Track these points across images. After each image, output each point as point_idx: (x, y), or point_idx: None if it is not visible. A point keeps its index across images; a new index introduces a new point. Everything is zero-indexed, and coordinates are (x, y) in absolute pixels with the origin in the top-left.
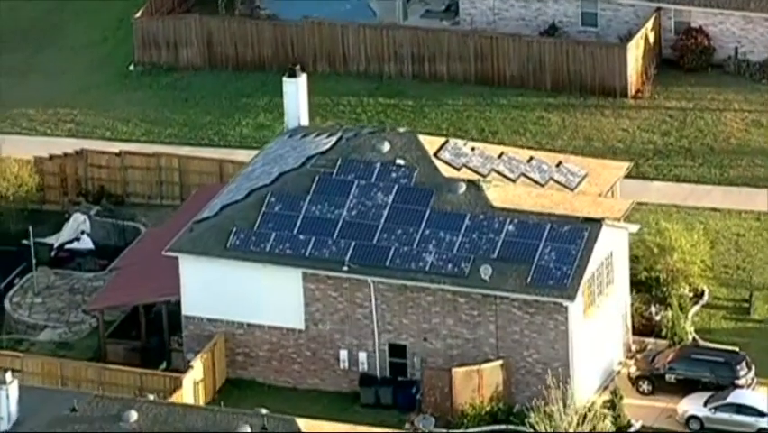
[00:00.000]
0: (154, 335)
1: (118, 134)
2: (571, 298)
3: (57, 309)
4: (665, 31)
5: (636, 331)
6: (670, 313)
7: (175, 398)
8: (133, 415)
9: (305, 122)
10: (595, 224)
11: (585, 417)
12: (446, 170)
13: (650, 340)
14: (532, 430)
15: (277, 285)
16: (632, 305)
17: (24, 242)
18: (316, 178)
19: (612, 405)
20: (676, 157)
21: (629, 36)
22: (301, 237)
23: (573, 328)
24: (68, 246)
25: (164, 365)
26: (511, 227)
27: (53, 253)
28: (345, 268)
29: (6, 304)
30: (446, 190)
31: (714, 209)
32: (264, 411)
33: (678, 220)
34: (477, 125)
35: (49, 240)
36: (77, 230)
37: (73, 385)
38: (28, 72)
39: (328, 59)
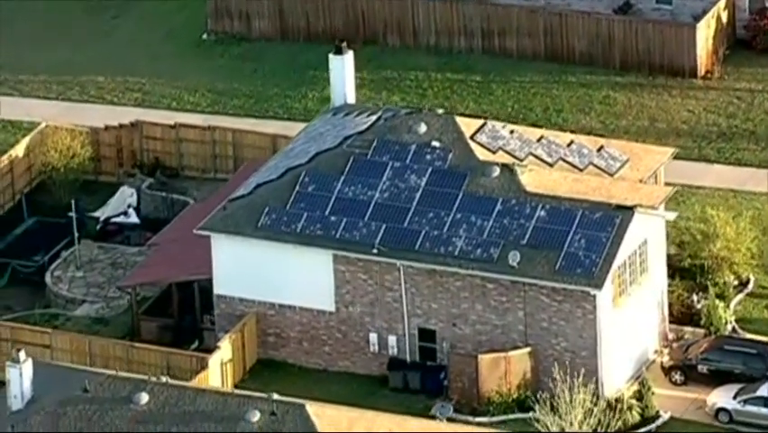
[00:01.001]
0: (189, 313)
1: (183, 105)
2: (599, 286)
3: (97, 284)
4: (740, 10)
5: (676, 319)
6: (715, 301)
7: (201, 378)
8: (144, 397)
9: (351, 99)
10: (627, 211)
11: (592, 411)
12: (482, 153)
13: (688, 329)
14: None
15: (307, 266)
16: (674, 293)
17: (71, 214)
18: (351, 158)
19: (639, 396)
20: (739, 140)
21: (703, 14)
22: (332, 219)
23: (602, 317)
24: (113, 220)
25: (196, 344)
26: (543, 213)
27: (99, 227)
28: (375, 251)
29: (47, 277)
30: (480, 174)
31: None
32: (276, 396)
33: (734, 205)
34: (542, 103)
35: (96, 213)
36: (124, 204)
37: (101, 362)
38: (103, 39)
39: (398, 32)
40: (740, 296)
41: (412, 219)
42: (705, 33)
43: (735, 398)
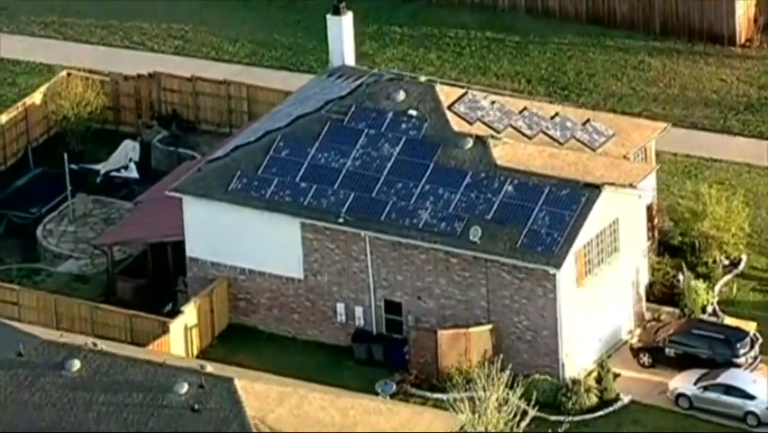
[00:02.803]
0: (164, 275)
1: (222, 54)
2: (557, 266)
3: (86, 240)
4: None
5: (657, 299)
6: (692, 282)
7: (161, 342)
8: (76, 364)
9: (349, 61)
10: (593, 189)
11: (507, 398)
12: (458, 124)
13: (669, 309)
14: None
15: (276, 233)
16: (660, 271)
17: (73, 166)
18: (328, 124)
19: (599, 378)
20: (766, 112)
21: None
22: (302, 185)
23: (563, 297)
24: (113, 174)
25: (170, 307)
26: (510, 188)
27: (99, 180)
28: (340, 220)
29: (39, 231)
30: (453, 145)
31: None
32: (210, 368)
33: (745, 181)
34: (576, 66)
35: (98, 166)
36: (126, 158)
37: (67, 322)
38: None
39: None
40: (728, 277)
41: (381, 189)
42: (745, 1)
43: (695, 384)
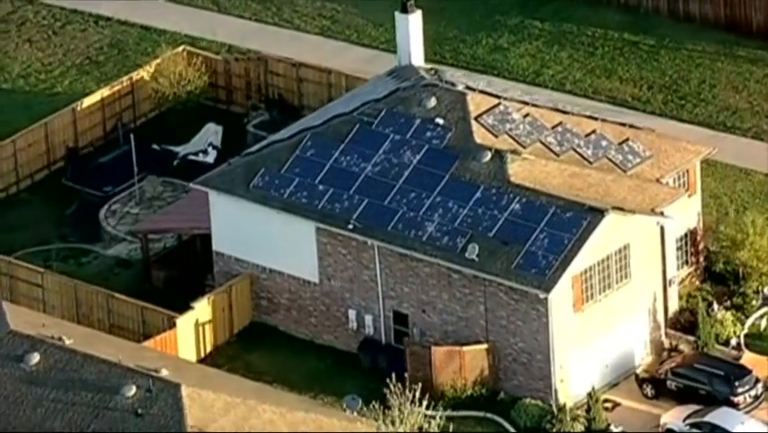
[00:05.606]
0: (195, 267)
1: (361, 39)
2: (548, 290)
3: None
4: None
5: (683, 328)
6: (715, 312)
7: (166, 337)
8: (35, 358)
9: (417, 61)
10: (596, 213)
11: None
12: (483, 136)
13: (691, 338)
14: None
15: (293, 234)
16: (695, 298)
17: (155, 147)
18: (357, 126)
19: (587, 407)
20: None
21: None
22: (320, 188)
23: (557, 321)
24: (191, 158)
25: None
26: (517, 206)
27: (175, 163)
28: (350, 226)
29: (101, 211)
30: (471, 157)
31: None
32: (165, 373)
33: None
34: (701, 75)
35: (177, 148)
36: (206, 142)
37: (86, 308)
38: None
39: None
40: (764, 309)
41: (394, 197)
42: None
43: (684, 420)
